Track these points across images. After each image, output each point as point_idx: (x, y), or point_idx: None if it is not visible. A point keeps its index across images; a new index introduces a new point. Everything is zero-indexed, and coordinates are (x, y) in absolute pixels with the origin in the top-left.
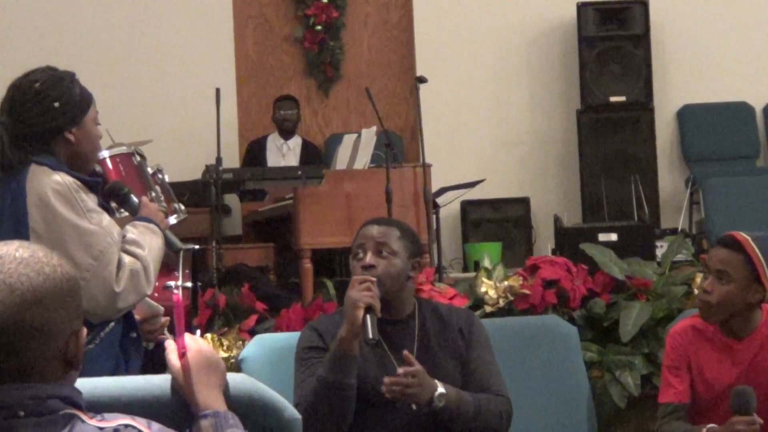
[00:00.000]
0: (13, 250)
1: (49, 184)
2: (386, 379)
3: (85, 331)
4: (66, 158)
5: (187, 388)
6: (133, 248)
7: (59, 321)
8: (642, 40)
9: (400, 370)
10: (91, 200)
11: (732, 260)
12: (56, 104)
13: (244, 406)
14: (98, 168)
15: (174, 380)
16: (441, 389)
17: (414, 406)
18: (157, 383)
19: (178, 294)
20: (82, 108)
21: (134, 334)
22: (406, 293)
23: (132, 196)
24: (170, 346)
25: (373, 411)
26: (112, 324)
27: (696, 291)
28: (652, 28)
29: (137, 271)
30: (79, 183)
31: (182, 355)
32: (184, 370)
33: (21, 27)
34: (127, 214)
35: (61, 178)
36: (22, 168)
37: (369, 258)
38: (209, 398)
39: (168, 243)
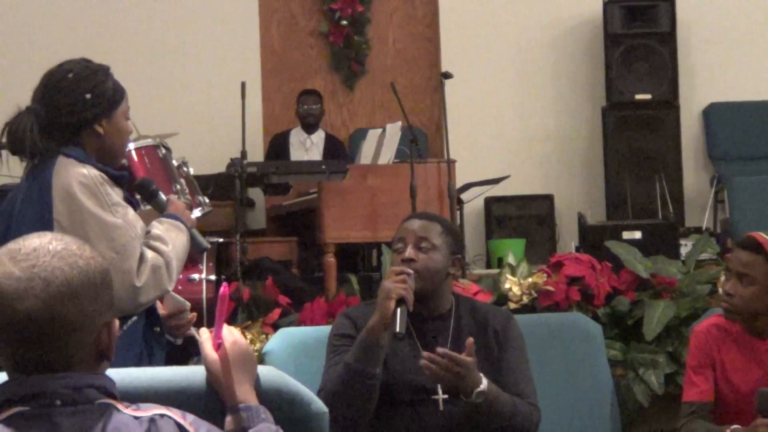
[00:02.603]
0: (47, 242)
1: (75, 176)
2: (424, 354)
3: (117, 323)
4: (94, 151)
5: (223, 379)
6: (156, 244)
7: (92, 313)
8: (668, 37)
9: (440, 350)
10: (116, 194)
11: (753, 262)
12: (88, 95)
13: (271, 399)
14: (124, 161)
15: (208, 371)
16: (483, 387)
17: (444, 395)
18: (185, 374)
19: (225, 286)
20: (114, 101)
21: (157, 329)
22: (445, 290)
23: (160, 193)
24: (204, 335)
25: (402, 407)
26: (135, 318)
27: (720, 290)
28: (678, 26)
29: (159, 267)
30: (104, 176)
31: (218, 346)
32: (222, 362)
33: (49, 21)
34: (150, 208)
35: (87, 170)
36: (50, 159)
37: (409, 251)
38: (242, 391)
39: (194, 242)
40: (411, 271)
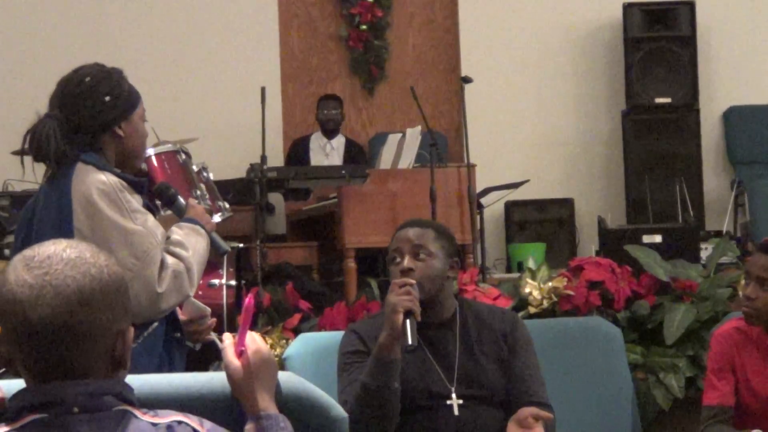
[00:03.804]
0: (61, 250)
1: (95, 183)
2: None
3: (132, 330)
4: (114, 155)
5: (245, 387)
6: (177, 249)
7: (105, 321)
8: (688, 41)
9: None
10: (135, 200)
11: None
12: (107, 98)
13: (291, 405)
14: (144, 167)
15: (229, 379)
16: None
17: (458, 400)
18: (204, 381)
19: (251, 297)
20: (131, 103)
21: (178, 335)
22: (446, 294)
23: (179, 197)
24: (228, 340)
25: (412, 415)
26: (156, 324)
27: (740, 294)
28: (698, 30)
29: (180, 272)
30: (124, 183)
31: (240, 353)
32: (243, 370)
33: (67, 28)
34: (170, 212)
35: (106, 177)
36: (69, 166)
37: (407, 262)
38: (263, 399)
39: (214, 245)
40: (413, 282)
